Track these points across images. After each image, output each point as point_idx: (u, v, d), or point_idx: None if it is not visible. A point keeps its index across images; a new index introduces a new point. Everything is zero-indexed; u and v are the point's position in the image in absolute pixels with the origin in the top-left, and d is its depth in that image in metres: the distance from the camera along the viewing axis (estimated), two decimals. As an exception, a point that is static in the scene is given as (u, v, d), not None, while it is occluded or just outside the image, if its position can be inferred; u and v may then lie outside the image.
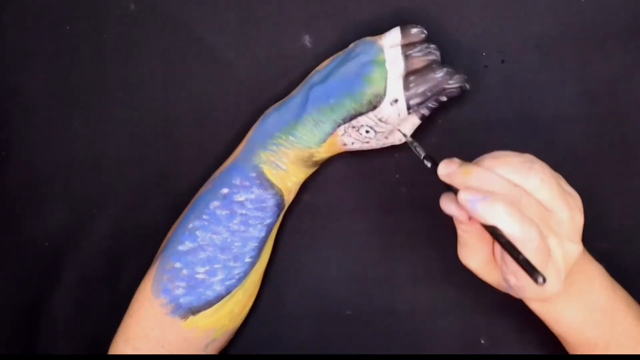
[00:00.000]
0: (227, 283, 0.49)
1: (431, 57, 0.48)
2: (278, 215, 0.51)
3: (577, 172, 0.53)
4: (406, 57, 0.48)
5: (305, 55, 0.55)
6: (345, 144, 0.50)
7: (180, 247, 0.49)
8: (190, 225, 0.50)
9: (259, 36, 0.55)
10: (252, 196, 0.50)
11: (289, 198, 0.52)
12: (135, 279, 0.54)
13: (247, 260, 0.50)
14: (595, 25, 0.53)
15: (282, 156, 0.50)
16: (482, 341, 0.54)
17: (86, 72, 0.56)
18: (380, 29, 0.54)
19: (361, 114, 0.48)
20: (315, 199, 0.55)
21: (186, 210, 0.52)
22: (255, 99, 0.55)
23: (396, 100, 0.48)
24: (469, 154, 0.54)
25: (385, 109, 0.48)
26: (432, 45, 0.48)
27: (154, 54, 0.56)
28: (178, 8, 0.56)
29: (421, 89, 0.47)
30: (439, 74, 0.47)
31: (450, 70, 0.48)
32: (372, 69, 0.48)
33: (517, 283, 0.40)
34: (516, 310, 0.54)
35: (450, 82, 0.48)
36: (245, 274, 0.50)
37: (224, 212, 0.50)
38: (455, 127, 0.54)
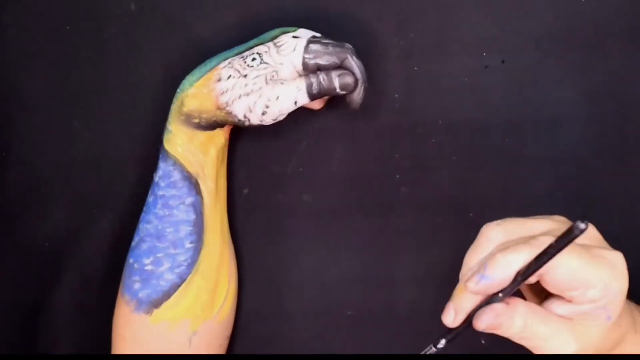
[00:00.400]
0: (177, 271, 0.49)
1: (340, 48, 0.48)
2: (197, 193, 0.50)
3: (577, 172, 0.53)
4: (316, 37, 0.49)
5: (306, 55, 0.55)
6: (220, 79, 0.48)
7: (133, 244, 0.51)
8: (139, 224, 0.51)
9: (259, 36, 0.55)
10: (160, 172, 0.50)
11: (195, 171, 0.50)
12: (135, 279, 0.54)
13: (188, 245, 0.49)
14: (595, 25, 0.53)
15: (169, 116, 0.50)
16: (482, 341, 0.54)
17: (86, 72, 0.56)
18: (380, 29, 0.54)
19: (260, 44, 0.48)
20: (315, 199, 0.55)
21: None
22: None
23: (298, 37, 0.48)
24: (469, 154, 0.54)
25: (285, 37, 0.48)
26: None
27: (154, 54, 0.56)
28: (178, 8, 0.56)
29: (327, 40, 0.47)
30: (349, 45, 0.48)
31: (354, 51, 0.48)
32: (281, 29, 0.49)
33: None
34: (516, 310, 0.54)
35: (355, 58, 0.47)
36: (193, 259, 0.49)
37: (151, 199, 0.50)
38: (456, 127, 0.54)
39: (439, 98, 0.54)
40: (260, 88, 0.47)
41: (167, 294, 0.49)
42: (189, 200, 0.50)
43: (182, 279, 0.49)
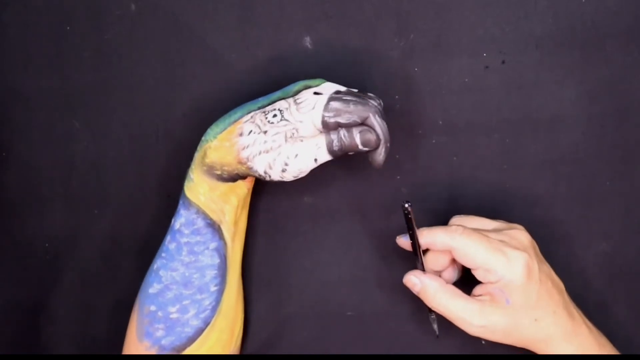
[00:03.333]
0: (202, 316, 0.49)
1: (366, 100, 0.46)
2: (220, 238, 0.50)
3: (577, 172, 0.53)
4: (339, 92, 0.47)
5: (306, 56, 0.55)
6: (241, 134, 0.47)
7: (151, 290, 0.49)
8: (155, 266, 0.50)
9: (259, 37, 0.55)
10: (183, 219, 0.49)
11: (217, 218, 0.49)
12: (134, 279, 0.54)
13: (213, 289, 0.49)
14: (595, 25, 0.53)
15: (192, 164, 0.49)
16: (482, 341, 0.54)
17: (87, 73, 0.56)
18: (380, 29, 0.54)
19: (282, 99, 0.48)
20: (315, 201, 0.55)
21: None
22: (254, 99, 0.55)
23: (320, 94, 0.46)
24: (469, 154, 0.54)
25: (305, 93, 0.47)
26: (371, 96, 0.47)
27: (154, 55, 0.56)
28: (178, 9, 0.56)
29: (348, 97, 0.46)
30: (373, 102, 0.46)
31: (382, 113, 0.46)
32: (311, 79, 0.49)
33: None
34: (516, 311, 0.54)
35: (377, 117, 0.45)
36: (217, 301, 0.49)
37: (173, 245, 0.49)
38: (456, 128, 0.54)
39: (439, 98, 0.54)
40: (279, 146, 0.46)
41: (192, 340, 0.49)
42: (213, 245, 0.49)
43: (206, 323, 0.49)
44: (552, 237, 0.53)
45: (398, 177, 0.55)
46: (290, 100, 0.47)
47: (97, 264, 0.57)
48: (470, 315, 0.46)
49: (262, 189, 0.54)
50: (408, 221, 0.47)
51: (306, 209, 0.55)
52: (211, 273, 0.49)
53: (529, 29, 0.53)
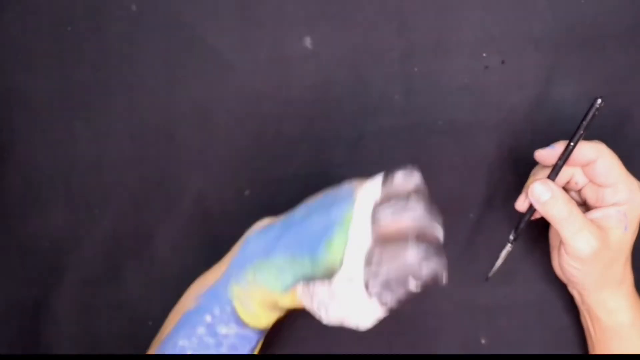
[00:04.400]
0: None
1: (404, 219, 0.38)
2: (262, 339, 0.47)
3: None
4: (374, 220, 0.38)
5: (306, 56, 0.55)
6: (303, 302, 0.43)
7: None
8: (181, 343, 0.45)
9: (259, 37, 0.55)
10: (233, 331, 0.45)
11: (270, 325, 0.47)
12: (135, 279, 0.54)
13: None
14: (595, 25, 0.53)
15: (250, 296, 0.44)
16: (483, 341, 0.54)
17: (87, 73, 0.56)
18: (380, 29, 0.54)
19: (317, 279, 0.41)
20: (315, 199, 0.55)
21: (176, 316, 0.47)
22: (255, 100, 0.55)
23: (351, 280, 0.39)
24: (469, 154, 0.54)
25: (339, 286, 0.39)
26: (413, 200, 0.38)
27: (154, 55, 0.56)
28: (179, 9, 0.56)
29: (383, 272, 0.37)
30: (411, 253, 0.37)
31: (429, 251, 0.37)
32: (334, 232, 0.39)
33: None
34: (516, 311, 0.54)
35: (424, 269, 0.37)
36: None
37: (211, 341, 0.45)
38: (456, 128, 0.54)
39: (439, 98, 0.54)
40: (342, 320, 0.42)
41: None
42: (256, 341, 0.47)
43: None
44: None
45: (398, 177, 0.55)
46: (326, 287, 0.41)
47: (97, 264, 0.57)
48: (590, 231, 0.45)
49: (263, 189, 0.55)
50: (586, 119, 0.46)
51: (306, 209, 0.55)
52: (245, 353, 0.46)
53: (529, 29, 0.53)
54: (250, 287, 0.44)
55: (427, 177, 0.54)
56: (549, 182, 0.47)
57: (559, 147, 0.47)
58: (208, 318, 0.45)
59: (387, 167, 0.55)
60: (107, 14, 0.56)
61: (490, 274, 0.50)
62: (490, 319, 0.54)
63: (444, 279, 0.37)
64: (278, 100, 0.55)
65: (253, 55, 0.55)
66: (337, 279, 0.39)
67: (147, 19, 0.56)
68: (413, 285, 0.37)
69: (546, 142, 0.53)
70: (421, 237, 0.38)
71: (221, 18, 0.55)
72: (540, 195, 0.46)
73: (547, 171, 0.48)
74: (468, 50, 0.54)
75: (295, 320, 0.55)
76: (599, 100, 0.45)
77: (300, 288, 0.42)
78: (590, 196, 0.49)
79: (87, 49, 0.56)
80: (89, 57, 0.56)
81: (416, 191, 0.39)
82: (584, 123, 0.46)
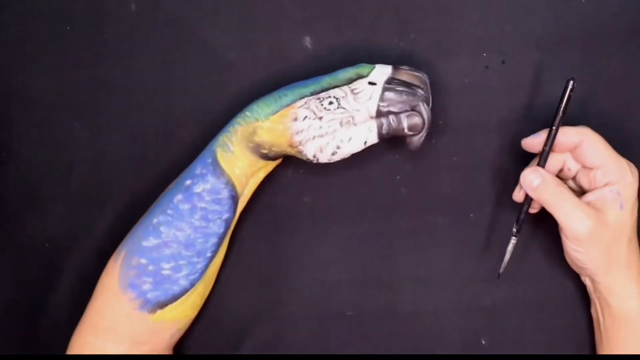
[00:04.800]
0: (191, 277, 0.50)
1: (417, 73, 0.50)
2: (234, 210, 0.51)
3: (577, 172, 0.53)
4: (395, 66, 0.50)
5: (306, 56, 0.55)
6: (295, 119, 0.49)
7: (145, 243, 0.50)
8: (155, 220, 0.50)
9: (259, 37, 0.55)
10: (208, 186, 0.50)
11: (241, 191, 0.51)
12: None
13: (209, 255, 0.51)
14: (595, 25, 0.53)
15: (233, 135, 0.50)
16: (483, 341, 0.54)
17: (87, 72, 0.56)
18: (380, 29, 0.54)
19: (336, 87, 0.49)
20: (315, 201, 0.55)
21: (153, 205, 0.52)
22: (255, 99, 0.55)
23: (374, 84, 0.49)
24: (469, 154, 0.54)
25: (361, 83, 0.49)
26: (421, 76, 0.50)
27: (154, 55, 0.56)
28: (178, 8, 0.56)
29: (400, 88, 0.48)
30: (421, 92, 0.49)
31: (427, 110, 0.48)
32: (361, 64, 0.50)
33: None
34: (516, 311, 0.54)
35: (424, 107, 0.48)
36: (206, 267, 0.51)
37: (186, 207, 0.50)
38: (456, 128, 0.54)
39: (439, 98, 0.54)
40: (334, 130, 0.49)
41: (175, 298, 0.50)
42: (226, 216, 0.51)
43: (192, 285, 0.50)
44: (552, 237, 0.53)
45: (398, 177, 0.55)
46: (346, 89, 0.49)
47: (97, 264, 0.56)
48: (583, 211, 0.46)
49: (262, 188, 0.54)
50: (562, 102, 0.47)
51: (306, 209, 0.55)
52: (213, 240, 0.50)
53: (529, 29, 0.53)
54: (235, 127, 0.50)
55: (427, 177, 0.55)
56: (538, 168, 0.48)
57: (543, 134, 0.49)
58: (187, 182, 0.50)
59: (388, 167, 0.55)
60: (107, 14, 0.56)
61: (501, 270, 0.51)
62: (490, 319, 0.54)
63: (421, 134, 0.49)
64: (278, 100, 0.55)
65: (253, 55, 0.55)
66: (362, 80, 0.49)
67: (147, 18, 0.56)
68: (405, 123, 0.48)
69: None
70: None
71: (221, 18, 0.55)
72: (532, 181, 0.48)
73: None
74: (468, 50, 0.54)
75: (295, 320, 0.55)
76: (572, 82, 0.47)
77: (303, 100, 0.49)
78: (584, 181, 0.49)
79: (87, 49, 0.56)
80: (89, 57, 0.56)
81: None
82: (561, 106, 0.47)
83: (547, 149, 0.48)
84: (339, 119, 0.49)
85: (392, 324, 0.55)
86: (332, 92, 0.49)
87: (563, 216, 0.47)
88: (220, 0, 0.55)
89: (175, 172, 0.55)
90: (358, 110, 0.49)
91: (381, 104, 0.48)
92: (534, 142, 0.49)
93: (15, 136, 0.57)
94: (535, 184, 0.48)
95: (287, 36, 0.55)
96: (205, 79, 0.56)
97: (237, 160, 0.50)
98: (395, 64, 0.50)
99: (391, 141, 0.53)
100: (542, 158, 0.49)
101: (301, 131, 0.49)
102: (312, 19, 0.55)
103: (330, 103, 0.49)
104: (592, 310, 0.52)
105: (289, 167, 0.55)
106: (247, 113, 0.50)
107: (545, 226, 0.52)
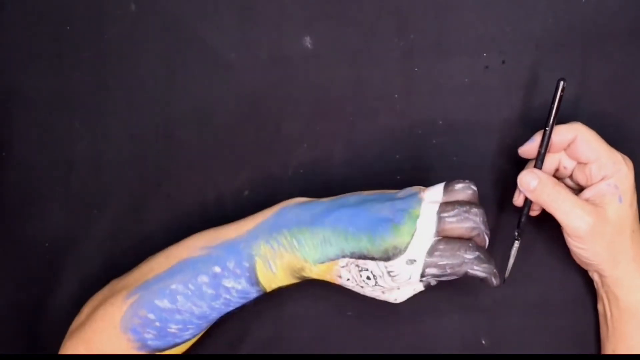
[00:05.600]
0: (196, 333, 0.49)
1: (466, 225, 0.44)
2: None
3: (577, 172, 0.53)
4: (440, 218, 0.44)
5: (306, 56, 0.55)
6: (340, 276, 0.47)
7: (158, 302, 0.48)
8: (174, 287, 0.48)
9: (259, 37, 0.55)
10: (239, 287, 0.48)
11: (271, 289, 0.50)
12: (135, 279, 0.53)
13: (217, 318, 0.50)
14: (595, 25, 0.53)
15: (277, 257, 0.47)
16: (483, 341, 0.54)
17: (86, 73, 0.56)
18: (380, 29, 0.54)
19: (372, 258, 0.45)
20: (315, 199, 0.55)
21: (171, 260, 0.49)
22: (255, 100, 0.55)
23: (413, 261, 0.44)
24: (469, 154, 0.54)
25: (398, 265, 0.45)
26: (474, 210, 0.44)
27: (154, 55, 0.56)
28: (178, 8, 0.56)
29: (444, 261, 0.44)
30: (469, 256, 0.44)
31: (482, 257, 0.44)
32: (403, 219, 0.44)
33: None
34: (517, 311, 0.54)
35: (476, 268, 0.44)
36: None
37: (210, 292, 0.48)
38: (456, 128, 0.54)
39: (439, 98, 0.54)
40: (377, 296, 0.48)
41: (176, 345, 0.49)
42: (249, 302, 0.49)
43: (193, 337, 0.50)
44: (552, 237, 0.53)
45: (398, 177, 0.55)
46: (383, 269, 0.45)
47: (97, 264, 0.57)
48: (582, 208, 0.46)
49: (262, 188, 0.54)
50: (554, 102, 0.47)
51: (306, 209, 0.55)
52: (230, 312, 0.50)
53: (529, 29, 0.53)
54: (281, 249, 0.47)
55: (427, 177, 0.54)
56: (534, 170, 0.48)
57: (537, 137, 0.49)
58: (217, 269, 0.48)
59: (388, 167, 0.55)
60: (106, 14, 0.56)
61: (506, 274, 0.50)
62: (490, 319, 0.54)
63: (494, 282, 0.44)
64: (278, 100, 0.55)
65: (253, 55, 0.55)
66: (399, 259, 0.44)
67: (147, 18, 0.56)
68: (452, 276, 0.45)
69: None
70: (475, 242, 0.45)
71: (221, 18, 0.55)
72: (529, 183, 0.48)
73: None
74: (468, 50, 0.54)
75: (295, 320, 0.55)
76: (562, 82, 0.47)
77: (344, 261, 0.46)
78: (580, 177, 0.49)
79: (87, 49, 0.56)
80: (89, 57, 0.56)
81: (474, 201, 0.45)
82: (553, 106, 0.47)
83: (542, 150, 0.48)
84: (380, 289, 0.47)
85: (392, 324, 0.55)
86: (370, 266, 0.45)
87: (563, 215, 0.47)
88: (220, 0, 0.55)
89: (176, 172, 0.55)
90: (398, 288, 0.47)
91: (423, 279, 0.45)
92: (531, 148, 0.49)
93: (15, 136, 0.57)
94: (533, 186, 0.48)
95: (287, 36, 0.55)
96: (205, 79, 0.56)
97: (279, 281, 0.48)
98: (445, 183, 0.46)
99: (391, 141, 0.53)
100: (538, 160, 0.49)
101: (348, 285, 0.48)
102: (312, 19, 0.55)
103: (368, 278, 0.46)
104: (599, 306, 0.52)
105: (289, 166, 0.55)
106: (295, 243, 0.47)
107: (545, 227, 0.52)
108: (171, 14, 0.56)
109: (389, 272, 0.45)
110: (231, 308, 0.49)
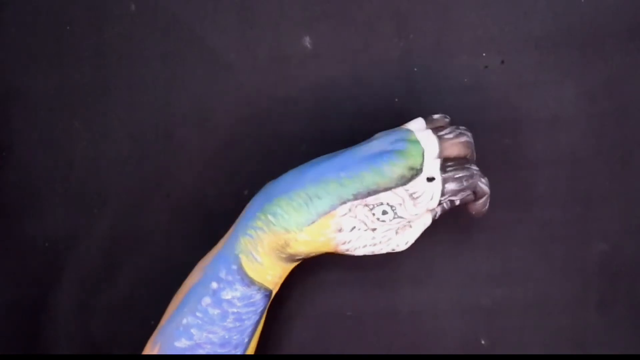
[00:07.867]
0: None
1: (462, 139, 0.45)
2: (269, 299, 0.48)
3: (577, 172, 0.53)
4: (439, 137, 0.45)
5: (306, 56, 0.55)
6: (340, 230, 0.44)
7: (177, 344, 0.46)
8: (184, 321, 0.46)
9: (259, 37, 0.55)
10: (238, 294, 0.46)
11: (275, 288, 0.48)
12: (135, 278, 0.54)
13: (246, 341, 0.47)
14: (595, 25, 0.53)
15: (258, 244, 0.45)
16: (483, 341, 0.54)
17: (86, 73, 0.56)
18: (380, 29, 0.54)
19: (387, 189, 0.43)
20: (315, 199, 0.55)
21: (180, 295, 0.48)
22: (255, 100, 0.55)
23: (432, 179, 0.44)
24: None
25: (420, 185, 0.44)
26: (462, 127, 0.46)
27: (154, 55, 0.56)
28: (178, 8, 0.56)
29: (459, 174, 0.44)
30: (475, 168, 0.45)
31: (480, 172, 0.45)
32: (406, 144, 0.44)
33: None
34: (516, 311, 0.54)
35: (482, 181, 0.45)
36: (246, 350, 0.48)
37: (216, 312, 0.46)
38: (456, 127, 0.54)
39: (439, 98, 0.54)
40: (389, 239, 0.46)
41: None
42: (261, 309, 0.47)
43: None
44: (552, 237, 0.53)
45: (398, 177, 0.55)
46: (404, 194, 0.44)
47: (96, 264, 0.57)
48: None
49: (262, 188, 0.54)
50: None
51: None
52: (249, 330, 0.47)
53: (528, 29, 0.53)
54: (259, 233, 0.45)
55: (427, 177, 0.54)
56: None
57: None
58: (214, 285, 0.46)
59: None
60: (106, 14, 0.56)
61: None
62: (490, 319, 0.54)
63: (486, 206, 0.46)
64: (278, 100, 0.55)
65: (253, 55, 0.55)
66: (419, 178, 0.43)
67: (147, 18, 0.56)
68: (458, 202, 0.46)
69: (546, 142, 0.53)
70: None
71: (221, 18, 0.55)
72: None
73: None
74: (468, 50, 0.54)
75: (295, 321, 0.55)
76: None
77: (345, 207, 0.44)
78: None
79: (87, 49, 0.56)
80: (89, 57, 0.56)
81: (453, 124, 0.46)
82: None
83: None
84: (395, 228, 0.45)
85: (392, 324, 0.55)
86: (384, 198, 0.44)
87: None
88: (220, 0, 0.55)
89: (176, 171, 0.55)
90: (417, 214, 0.45)
91: (442, 198, 0.45)
92: None
93: (15, 136, 0.57)
94: None
95: (287, 36, 0.55)
96: (205, 79, 0.56)
97: (268, 270, 0.46)
98: (427, 116, 0.47)
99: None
100: None
101: (349, 241, 0.45)
102: (312, 19, 0.55)
103: (384, 213, 0.44)
104: None
105: (289, 166, 0.55)
106: (270, 217, 0.44)
107: (543, 227, 0.52)
108: (171, 14, 0.56)
109: (411, 195, 0.44)
110: (249, 322, 0.47)
